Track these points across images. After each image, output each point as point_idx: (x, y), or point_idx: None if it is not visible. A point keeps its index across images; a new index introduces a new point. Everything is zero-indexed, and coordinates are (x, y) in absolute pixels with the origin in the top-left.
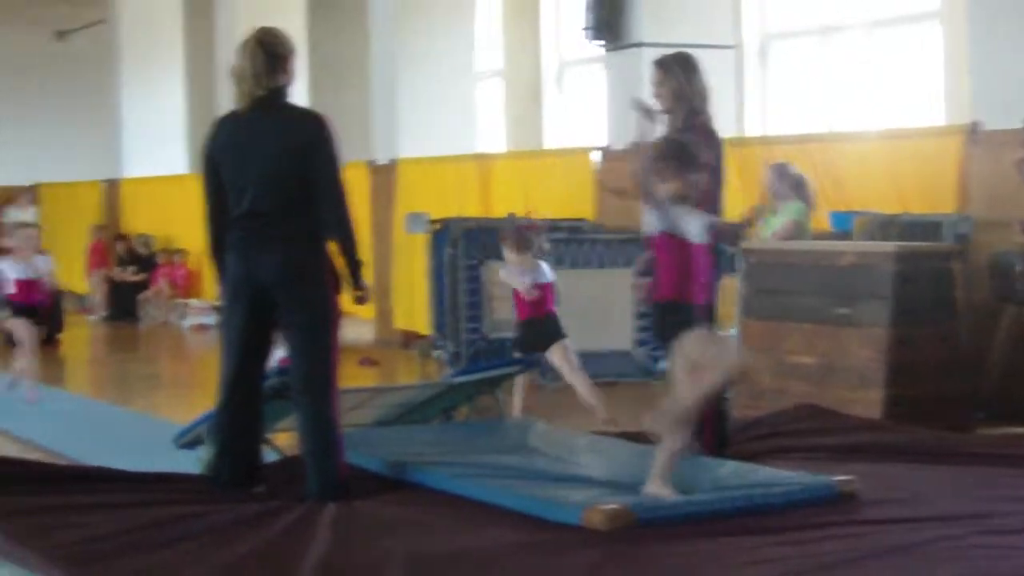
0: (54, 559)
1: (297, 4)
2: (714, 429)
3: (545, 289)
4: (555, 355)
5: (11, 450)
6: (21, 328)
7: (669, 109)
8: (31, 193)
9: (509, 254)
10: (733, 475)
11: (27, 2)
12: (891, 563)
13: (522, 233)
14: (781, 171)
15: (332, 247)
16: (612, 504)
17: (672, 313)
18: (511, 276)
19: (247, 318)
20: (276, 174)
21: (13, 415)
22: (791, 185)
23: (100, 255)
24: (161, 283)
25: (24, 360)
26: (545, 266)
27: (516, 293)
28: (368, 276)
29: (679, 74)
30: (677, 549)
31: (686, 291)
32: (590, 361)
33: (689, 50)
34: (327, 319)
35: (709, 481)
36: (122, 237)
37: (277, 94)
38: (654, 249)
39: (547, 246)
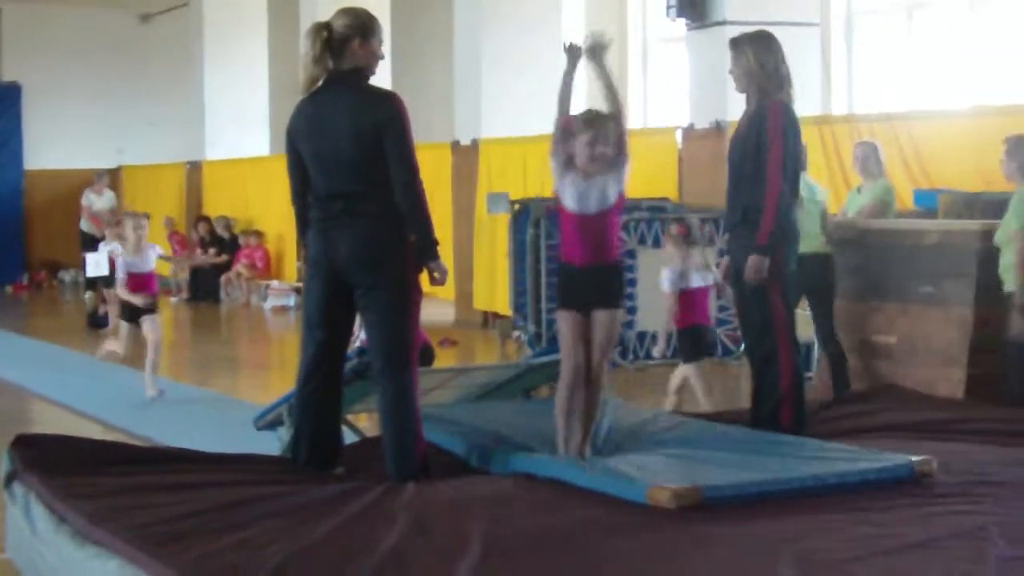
0: (133, 540)
1: None
2: (793, 407)
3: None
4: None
5: (91, 431)
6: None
7: (742, 89)
8: (107, 177)
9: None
10: (808, 453)
11: None
12: (964, 545)
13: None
14: (868, 149)
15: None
16: (679, 483)
17: None
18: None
19: (327, 297)
20: (350, 154)
21: (93, 397)
22: (877, 164)
23: (181, 243)
24: (242, 265)
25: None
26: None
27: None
28: (448, 256)
29: (749, 54)
30: (746, 529)
31: None
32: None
33: (773, 28)
34: (406, 298)
35: (782, 459)
36: (204, 219)
37: (350, 75)
38: None
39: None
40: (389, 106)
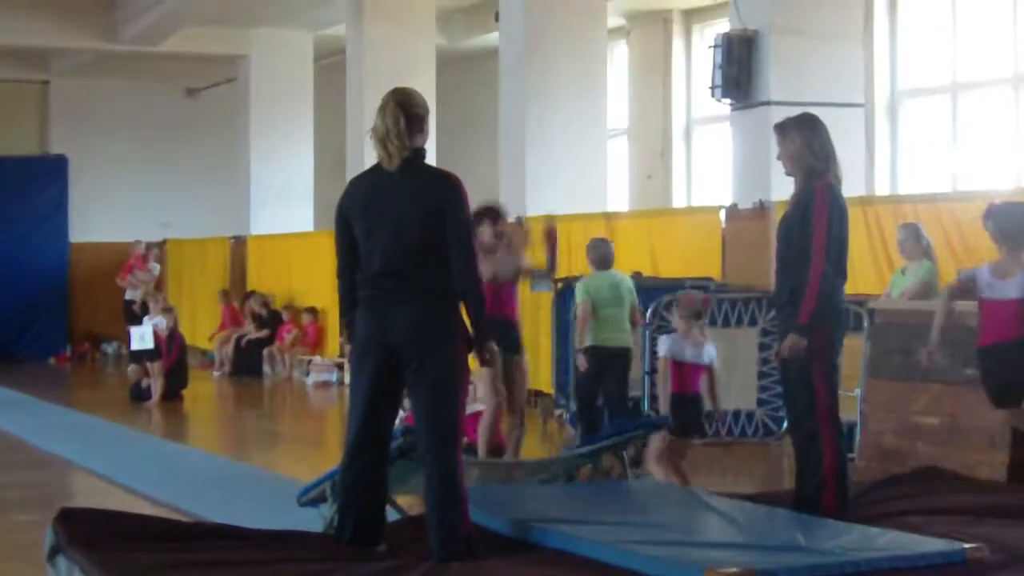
0: None
1: (426, 62)
2: (836, 489)
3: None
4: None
5: (134, 505)
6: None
7: (790, 172)
8: (155, 249)
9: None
10: (857, 538)
11: (158, 60)
12: None
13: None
14: (912, 231)
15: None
16: (733, 566)
17: None
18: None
19: (375, 376)
20: (409, 234)
21: (137, 471)
22: (922, 245)
23: (232, 317)
24: (285, 340)
25: None
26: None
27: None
28: None
29: (796, 137)
30: None
31: None
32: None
33: (817, 109)
34: (455, 378)
35: (832, 544)
36: (248, 294)
37: (416, 154)
38: None
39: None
40: (451, 188)
